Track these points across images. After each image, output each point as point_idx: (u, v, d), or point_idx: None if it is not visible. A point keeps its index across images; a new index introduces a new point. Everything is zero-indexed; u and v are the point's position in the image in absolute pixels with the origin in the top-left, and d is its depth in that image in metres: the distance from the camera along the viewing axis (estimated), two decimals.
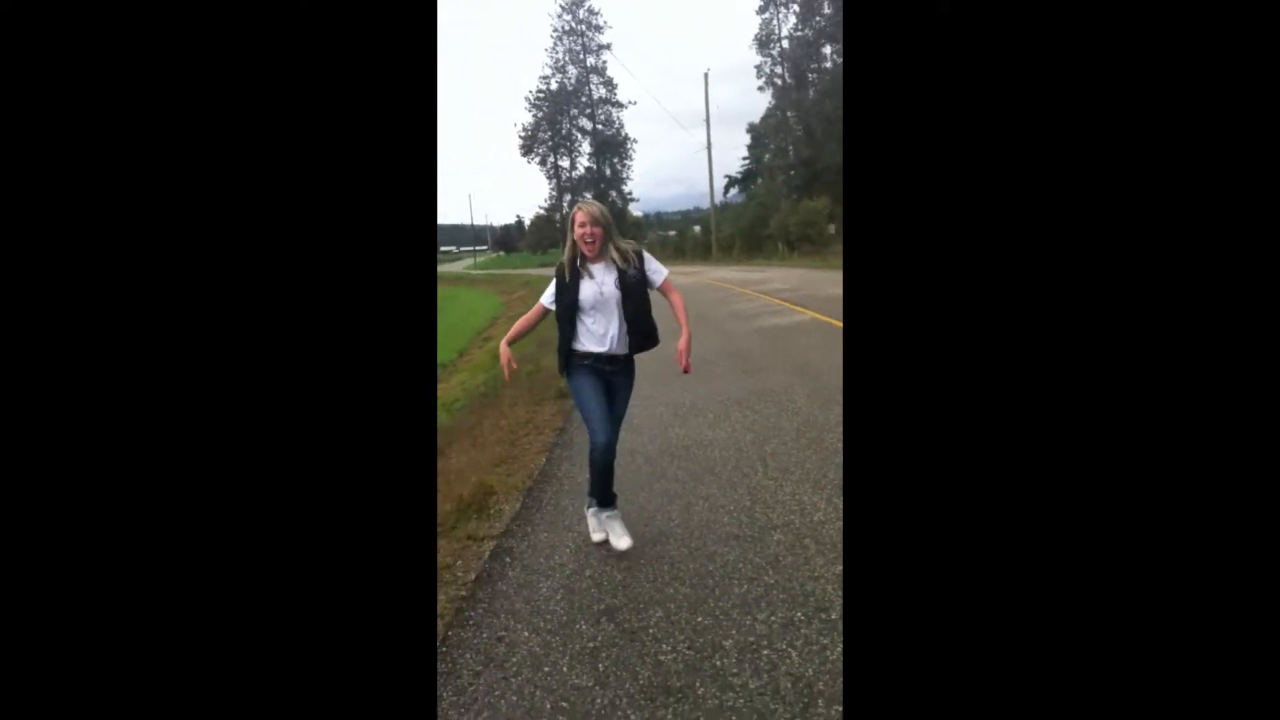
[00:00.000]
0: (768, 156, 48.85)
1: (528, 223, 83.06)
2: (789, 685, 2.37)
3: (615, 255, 3.35)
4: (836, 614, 2.70)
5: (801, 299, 14.09)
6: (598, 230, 3.30)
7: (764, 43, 47.77)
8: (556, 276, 3.43)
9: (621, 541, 3.43)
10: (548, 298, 3.48)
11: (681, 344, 3.43)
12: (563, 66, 59.35)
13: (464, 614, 3.05)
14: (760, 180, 48.54)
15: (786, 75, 46.56)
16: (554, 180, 60.94)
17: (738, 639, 2.68)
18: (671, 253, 48.17)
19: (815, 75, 45.25)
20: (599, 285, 3.33)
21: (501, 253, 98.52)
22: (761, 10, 47.46)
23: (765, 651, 2.57)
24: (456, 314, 26.73)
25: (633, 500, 4.09)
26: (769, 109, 48.33)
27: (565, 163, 60.89)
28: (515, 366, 3.50)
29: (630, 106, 69.15)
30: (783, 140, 46.29)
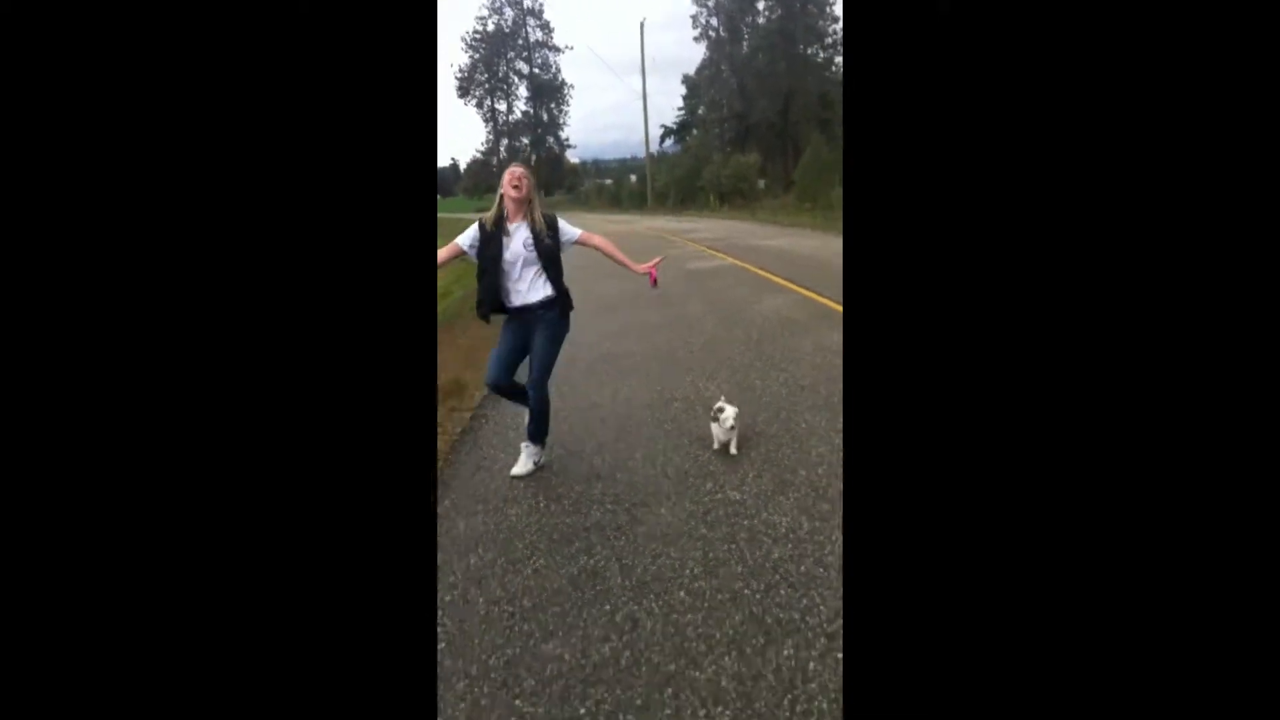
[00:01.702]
0: (702, 109, 49.62)
1: (463, 166, 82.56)
2: (670, 474, 3.80)
3: (536, 217, 3.71)
4: (708, 443, 4.12)
5: (725, 247, 15.52)
6: (525, 185, 3.70)
7: None
8: (479, 228, 3.75)
9: (517, 468, 3.96)
10: (465, 240, 3.75)
11: (641, 267, 4.07)
12: (499, 8, 59.07)
13: (457, 448, 4.43)
14: (695, 132, 49.43)
15: (720, 28, 47.18)
16: (490, 124, 60.98)
17: (645, 451, 4.14)
18: (608, 201, 48.91)
19: (749, 30, 45.99)
20: (518, 240, 3.68)
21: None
22: None
23: (660, 458, 4.01)
24: None
25: (577, 388, 5.49)
26: (704, 60, 48.85)
27: (502, 106, 61.02)
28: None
29: (567, 51, 69.42)
30: (717, 94, 46.97)
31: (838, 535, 3.01)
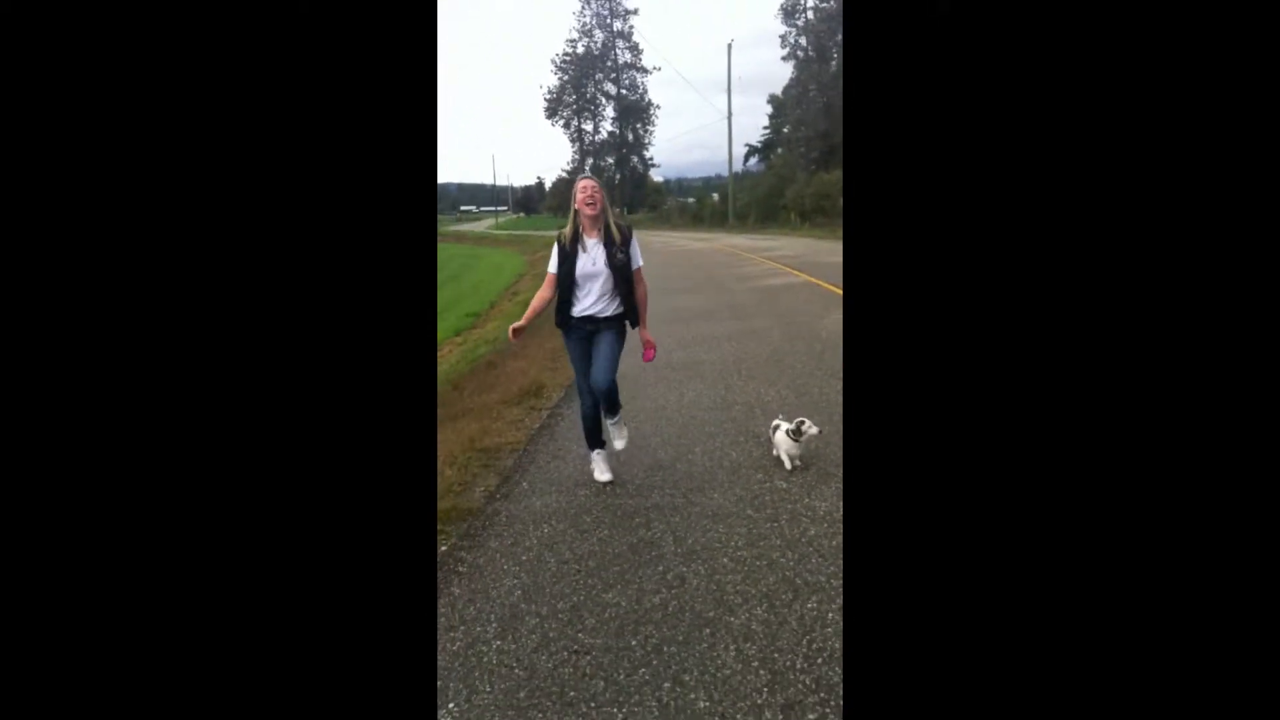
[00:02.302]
0: (787, 128, 49.66)
1: (548, 184, 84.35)
2: (725, 465, 4.18)
3: (611, 230, 3.77)
4: (763, 439, 4.48)
5: (801, 264, 15.77)
6: (599, 194, 3.74)
7: (789, 12, 48.00)
8: (558, 244, 3.83)
9: (617, 443, 4.11)
10: (552, 264, 3.86)
11: (645, 337, 3.99)
12: (589, 31, 60.41)
13: (534, 440, 4.91)
14: (780, 151, 49.53)
15: (809, 48, 47.25)
16: (577, 143, 62.21)
17: (705, 447, 4.53)
18: (690, 219, 49.38)
19: (837, 49, 45.87)
20: (593, 258, 3.75)
21: (522, 214, 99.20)
22: None
23: (718, 453, 4.40)
24: (484, 270, 28.45)
25: (646, 393, 5.91)
26: (791, 80, 48.76)
27: (589, 126, 62.17)
28: (516, 338, 3.92)
29: (655, 72, 70.36)
30: (803, 112, 46.83)
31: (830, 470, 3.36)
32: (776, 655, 2.43)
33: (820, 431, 4.08)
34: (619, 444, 4.12)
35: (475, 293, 21.24)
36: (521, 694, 2.33)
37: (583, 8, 60.20)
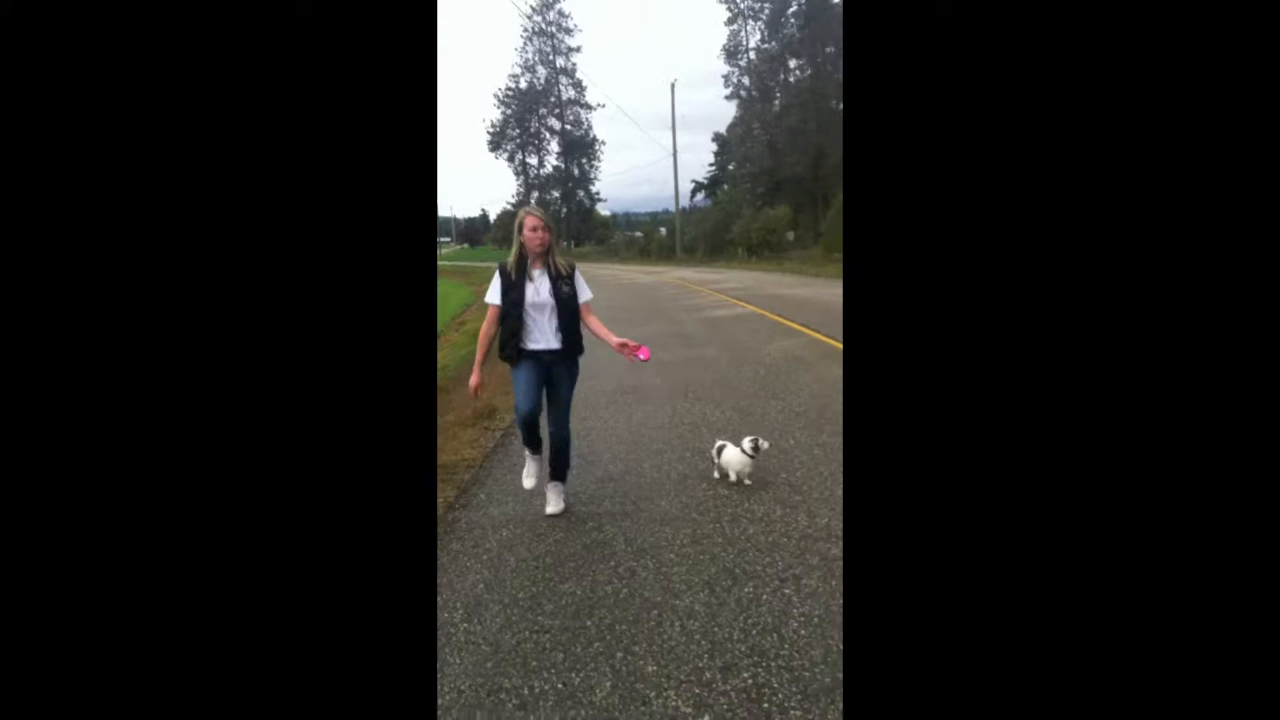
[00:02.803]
0: (732, 165, 50.73)
1: (493, 217, 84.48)
2: (672, 477, 4.49)
3: (556, 264, 3.75)
4: (707, 457, 4.79)
5: (748, 296, 16.26)
6: (546, 234, 3.71)
7: (731, 53, 49.22)
8: (500, 275, 3.76)
9: (549, 507, 4.03)
10: (494, 295, 3.77)
11: (624, 341, 3.79)
12: (532, 66, 60.94)
13: (489, 457, 5.17)
14: (725, 187, 50.53)
15: (752, 88, 48.43)
16: (521, 176, 62.51)
17: (653, 461, 4.85)
18: (637, 253, 49.90)
19: (780, 88, 47.15)
20: (538, 289, 3.72)
21: (465, 245, 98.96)
22: (730, 22, 48.92)
23: (665, 466, 4.72)
24: None
25: (597, 415, 6.19)
26: (735, 119, 49.95)
27: (533, 160, 62.51)
28: (479, 391, 3.91)
29: (599, 109, 71.11)
30: (747, 150, 47.87)
31: (803, 518, 3.69)
32: (716, 629, 2.74)
33: (769, 445, 4.41)
34: (551, 509, 4.02)
35: None
36: (489, 665, 2.59)
37: (525, 44, 61.23)
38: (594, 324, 3.87)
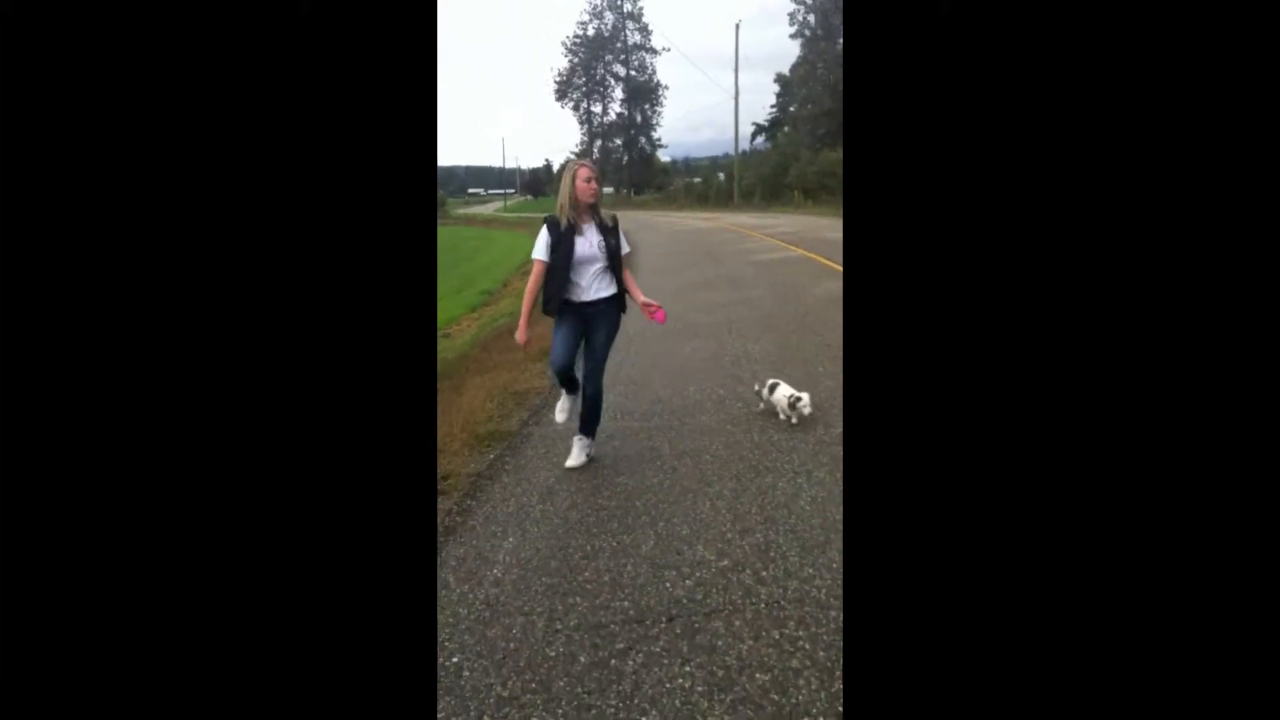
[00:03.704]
0: (794, 107, 50.11)
1: (555, 167, 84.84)
2: (713, 398, 5.17)
3: (602, 219, 3.83)
4: (745, 382, 5.45)
5: (798, 240, 16.69)
6: (595, 182, 3.77)
7: None
8: (549, 230, 3.78)
9: (570, 460, 4.14)
10: (542, 252, 3.79)
11: (647, 301, 3.94)
12: (600, 13, 61.07)
13: (526, 425, 5.89)
14: (786, 130, 50.02)
15: (817, 26, 47.58)
16: (585, 125, 63.08)
17: (697, 386, 5.54)
18: (695, 199, 49.97)
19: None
20: (589, 242, 3.77)
21: (529, 196, 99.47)
22: None
23: (708, 389, 5.40)
24: (496, 251, 29.37)
25: (649, 348, 6.90)
26: (798, 58, 49.22)
27: (598, 108, 62.99)
28: (528, 344, 4.10)
29: (664, 53, 70.65)
30: (809, 91, 47.24)
31: (820, 429, 4.35)
32: (739, 506, 3.45)
33: (810, 412, 4.49)
34: (572, 461, 4.11)
35: (488, 272, 22.10)
36: (561, 532, 3.36)
37: None
38: (627, 276, 3.96)
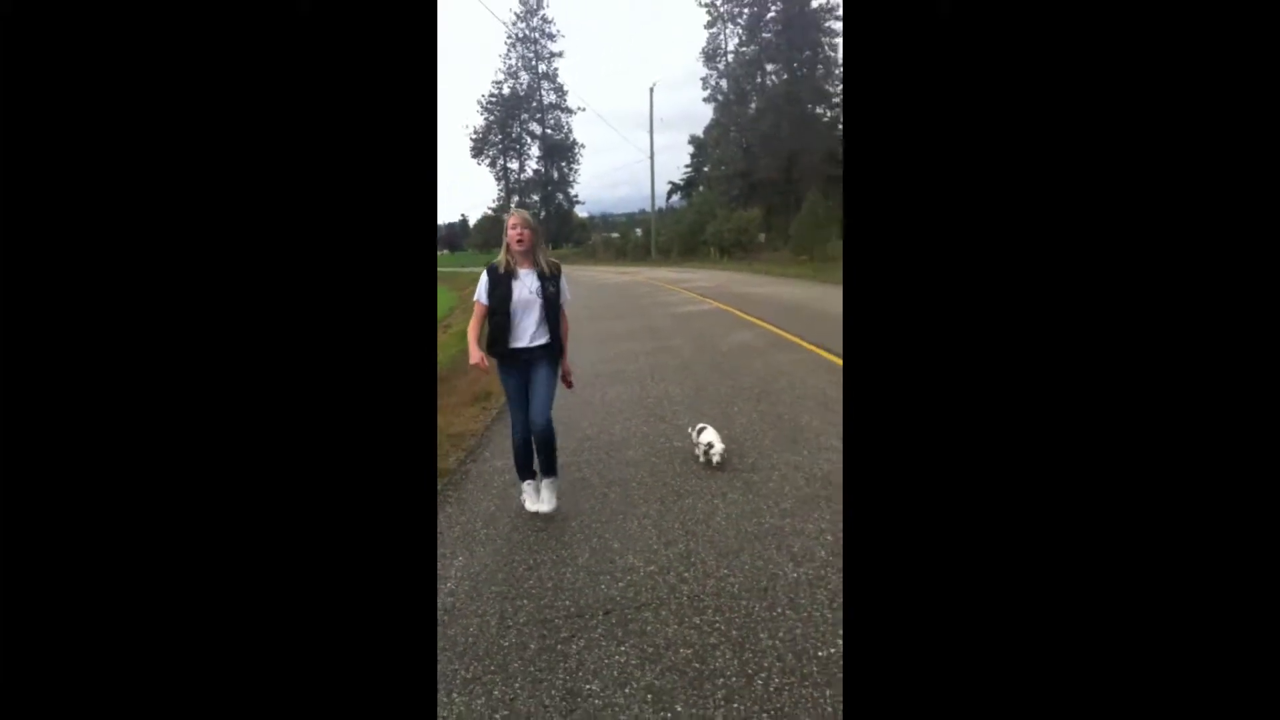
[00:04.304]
0: (708, 167, 51.83)
1: (472, 222, 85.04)
2: (638, 435, 5.64)
3: (542, 263, 3.91)
4: (667, 421, 5.92)
5: (716, 294, 17.46)
6: (527, 233, 3.85)
7: (710, 56, 50.67)
8: (489, 274, 3.92)
9: (542, 505, 4.08)
10: (481, 294, 3.93)
11: (564, 368, 4.18)
12: (515, 72, 62.22)
13: (489, 428, 6.31)
14: (701, 189, 51.55)
15: (729, 91, 49.52)
16: (502, 181, 63.69)
17: (622, 425, 6.00)
18: (614, 254, 50.89)
19: (756, 92, 48.16)
20: (526, 287, 3.87)
21: (447, 250, 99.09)
22: (709, 25, 50.35)
23: (632, 428, 5.87)
24: None
25: (576, 393, 7.25)
26: (711, 121, 51.18)
27: (514, 165, 63.69)
28: (486, 365, 3.90)
29: (579, 113, 72.11)
30: (723, 152, 48.99)
31: (736, 460, 4.85)
32: (663, 523, 3.91)
33: (721, 461, 4.75)
34: (546, 506, 4.09)
35: None
36: (505, 550, 3.75)
37: (509, 50, 62.58)
38: (564, 328, 4.06)
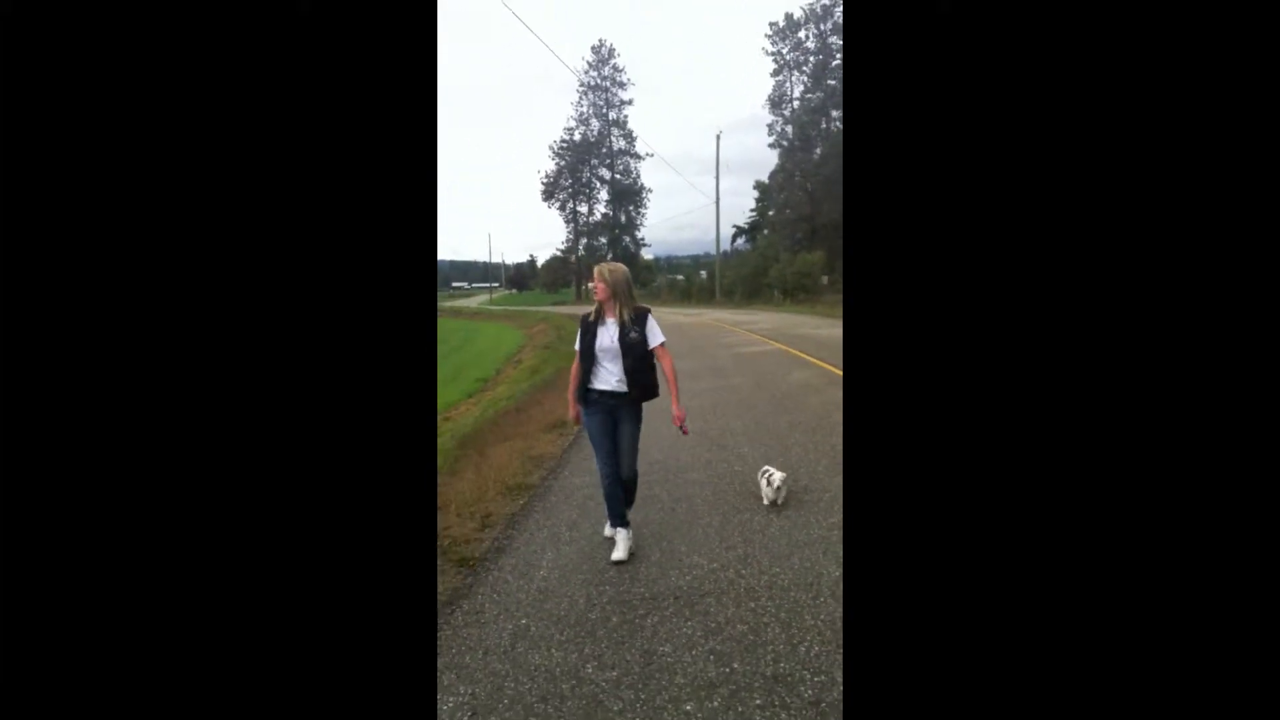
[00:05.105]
0: (772, 211, 52.56)
1: (540, 262, 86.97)
2: (700, 459, 6.22)
3: (623, 314, 4.02)
4: (727, 449, 6.49)
5: (777, 335, 18.00)
6: (601, 285, 4.01)
7: (776, 103, 51.87)
8: (582, 324, 4.14)
9: (617, 553, 4.14)
10: (576, 342, 4.19)
11: (676, 411, 4.25)
12: (586, 119, 64.02)
13: (566, 451, 6.97)
14: (765, 233, 52.29)
15: (794, 137, 50.38)
16: (571, 224, 65.21)
17: (689, 454, 6.61)
18: (679, 295, 51.82)
19: (820, 138, 48.84)
20: (610, 335, 4.04)
21: (514, 290, 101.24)
22: (775, 73, 51.70)
23: (697, 456, 6.46)
24: (484, 342, 30.50)
25: (645, 423, 7.97)
26: (776, 166, 52.00)
27: (583, 208, 65.24)
28: (580, 418, 4.28)
29: (648, 158, 73.60)
30: (787, 197, 49.61)
31: (792, 482, 5.40)
32: (725, 532, 4.48)
33: (780, 488, 4.89)
34: (617, 554, 4.14)
35: (478, 362, 23.10)
36: (586, 550, 4.37)
37: (580, 98, 64.28)
38: (666, 368, 4.16)
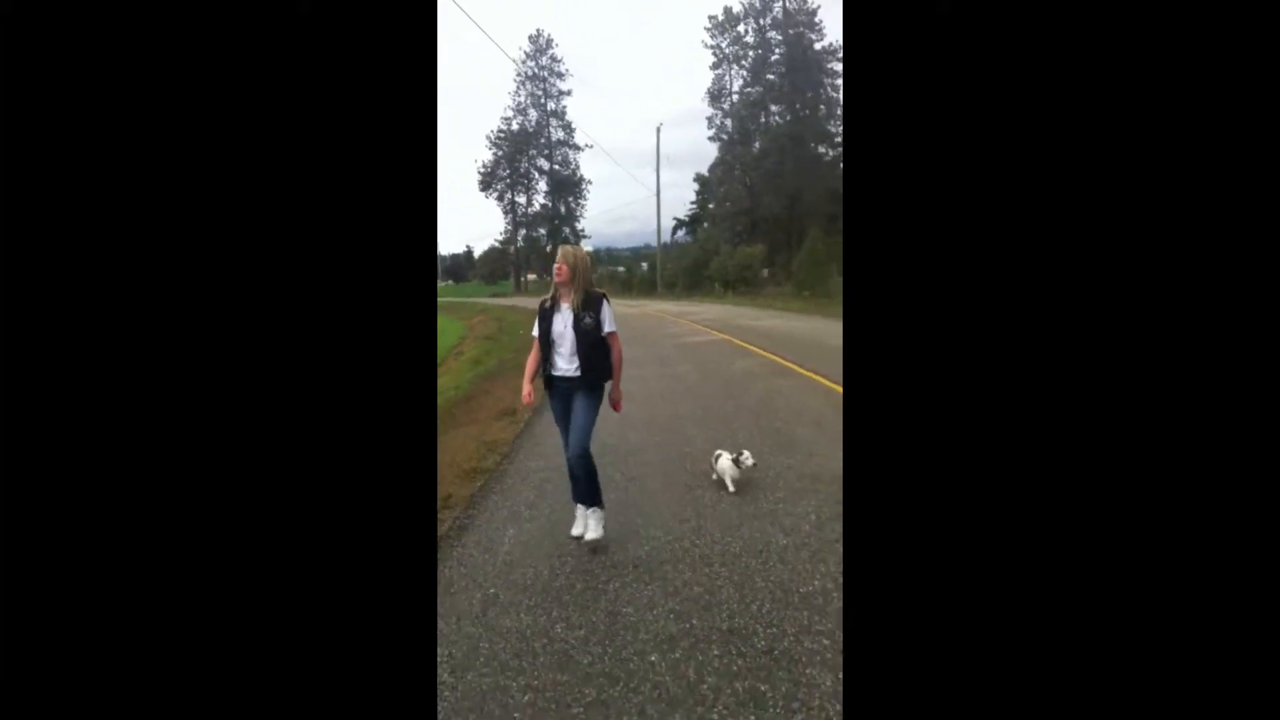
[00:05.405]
0: (712, 205, 52.94)
1: (477, 253, 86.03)
2: (650, 442, 6.46)
3: (576, 300, 4.04)
4: (675, 432, 6.74)
5: (720, 326, 18.37)
6: (564, 266, 4.01)
7: (715, 96, 51.84)
8: (539, 307, 4.21)
9: (591, 533, 4.16)
10: (533, 328, 4.28)
11: (614, 393, 4.34)
12: (524, 109, 63.58)
13: (518, 437, 7.15)
14: (706, 225, 52.66)
15: (734, 131, 50.67)
16: (510, 215, 64.79)
17: (637, 436, 6.84)
18: (620, 287, 51.81)
19: (760, 132, 49.24)
20: (564, 322, 4.09)
21: (450, 281, 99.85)
22: (715, 67, 51.66)
23: (646, 439, 6.70)
24: None
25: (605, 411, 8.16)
26: (716, 159, 52.19)
27: (522, 199, 64.85)
28: (531, 400, 4.30)
29: (587, 149, 73.44)
30: (727, 190, 50.01)
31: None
32: (677, 507, 4.73)
33: (755, 464, 5.04)
34: (591, 535, 4.16)
35: None
36: (546, 527, 4.58)
37: (518, 88, 63.76)
38: (614, 357, 4.21)
